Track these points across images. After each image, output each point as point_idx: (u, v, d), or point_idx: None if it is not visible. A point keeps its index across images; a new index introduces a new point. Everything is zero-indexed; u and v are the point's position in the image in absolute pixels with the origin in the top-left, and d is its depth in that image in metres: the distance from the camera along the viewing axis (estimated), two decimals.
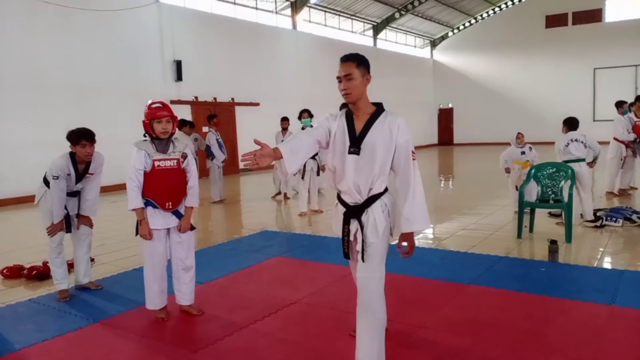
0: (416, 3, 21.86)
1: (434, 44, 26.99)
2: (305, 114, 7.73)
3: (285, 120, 9.46)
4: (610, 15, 22.38)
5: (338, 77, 2.56)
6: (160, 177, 3.46)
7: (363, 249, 2.56)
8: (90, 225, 4.39)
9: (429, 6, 22.71)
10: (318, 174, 7.96)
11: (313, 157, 7.75)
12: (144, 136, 3.54)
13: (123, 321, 3.68)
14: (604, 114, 20.55)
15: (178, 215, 3.60)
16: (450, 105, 26.75)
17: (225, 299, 4.08)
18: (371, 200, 2.58)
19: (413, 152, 2.57)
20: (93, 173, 4.24)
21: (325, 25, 20.17)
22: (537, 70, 23.86)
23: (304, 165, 7.75)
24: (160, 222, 3.53)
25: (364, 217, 2.57)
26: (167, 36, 13.48)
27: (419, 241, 6.01)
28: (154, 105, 3.46)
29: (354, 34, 21.86)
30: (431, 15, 23.98)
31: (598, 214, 6.32)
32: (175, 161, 3.52)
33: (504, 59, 24.82)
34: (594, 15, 22.62)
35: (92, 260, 4.87)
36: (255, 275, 4.76)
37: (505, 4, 24.63)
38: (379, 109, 2.63)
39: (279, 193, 9.83)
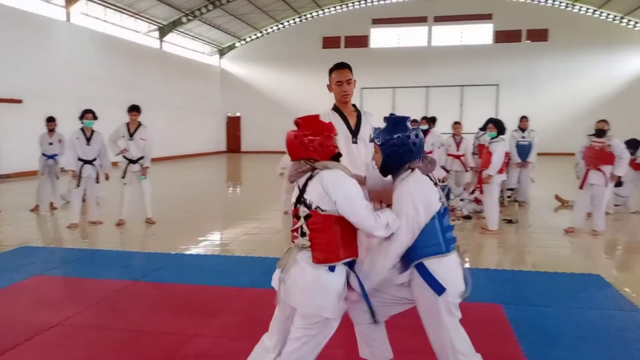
0: (203, 10, 21.83)
1: (222, 52, 27.26)
2: (89, 115, 7.13)
3: (51, 120, 8.44)
4: (375, 42, 25.71)
5: (339, 81, 3.29)
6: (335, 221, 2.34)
7: None
8: None
9: (217, 15, 22.87)
10: (97, 181, 7.29)
11: (91, 163, 7.16)
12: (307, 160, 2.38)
13: None
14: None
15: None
16: (238, 114, 27.32)
17: None
18: None
19: None
20: None
21: (105, 21, 18.66)
22: (315, 86, 25.84)
23: (80, 172, 7.05)
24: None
25: None
26: None
27: (205, 248, 6.03)
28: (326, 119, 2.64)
29: (138, 34, 20.72)
30: (219, 24, 24.18)
31: None
32: None
33: (287, 74, 26.40)
34: (362, 41, 25.71)
35: None
36: (9, 298, 4.14)
37: (288, 22, 26.28)
38: (357, 108, 3.45)
39: (38, 207, 8.45)
